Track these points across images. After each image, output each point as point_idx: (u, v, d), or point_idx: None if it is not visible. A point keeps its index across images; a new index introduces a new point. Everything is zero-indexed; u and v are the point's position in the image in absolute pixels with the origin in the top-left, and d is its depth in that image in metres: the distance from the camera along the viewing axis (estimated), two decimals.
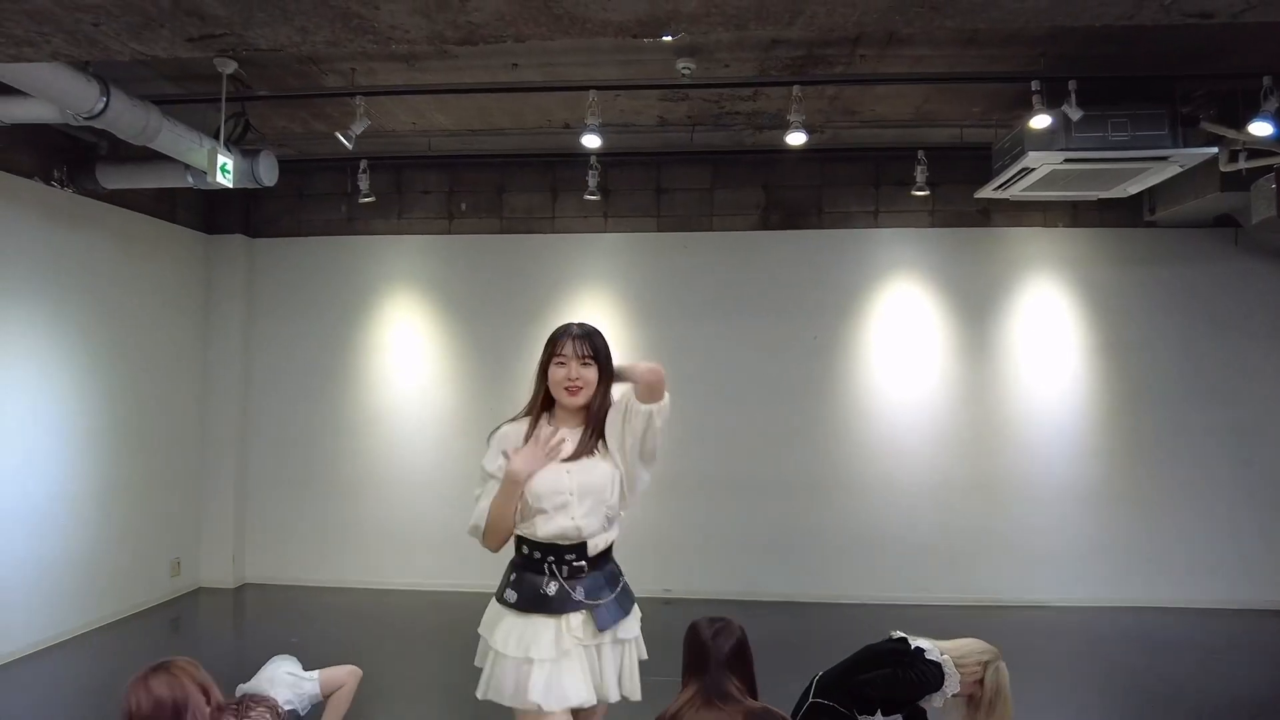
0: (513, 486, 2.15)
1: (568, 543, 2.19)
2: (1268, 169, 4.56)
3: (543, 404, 2.29)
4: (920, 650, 2.68)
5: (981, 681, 2.68)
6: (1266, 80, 4.27)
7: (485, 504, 2.20)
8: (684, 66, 4.40)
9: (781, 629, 5.22)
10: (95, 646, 5.07)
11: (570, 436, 2.25)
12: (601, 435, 2.26)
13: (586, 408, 2.26)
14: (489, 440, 2.29)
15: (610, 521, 2.26)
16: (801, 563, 6.05)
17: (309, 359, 6.52)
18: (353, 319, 6.53)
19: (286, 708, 2.65)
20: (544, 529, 2.18)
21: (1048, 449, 6.05)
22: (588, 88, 4.58)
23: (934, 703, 2.70)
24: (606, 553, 2.27)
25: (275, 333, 6.57)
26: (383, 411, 6.49)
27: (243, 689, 2.66)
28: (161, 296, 6.00)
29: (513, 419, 2.31)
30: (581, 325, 2.28)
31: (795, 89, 4.52)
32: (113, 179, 5.20)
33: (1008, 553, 5.97)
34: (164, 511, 5.98)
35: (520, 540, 2.25)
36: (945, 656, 2.67)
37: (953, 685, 2.65)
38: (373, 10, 2.23)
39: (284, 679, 2.91)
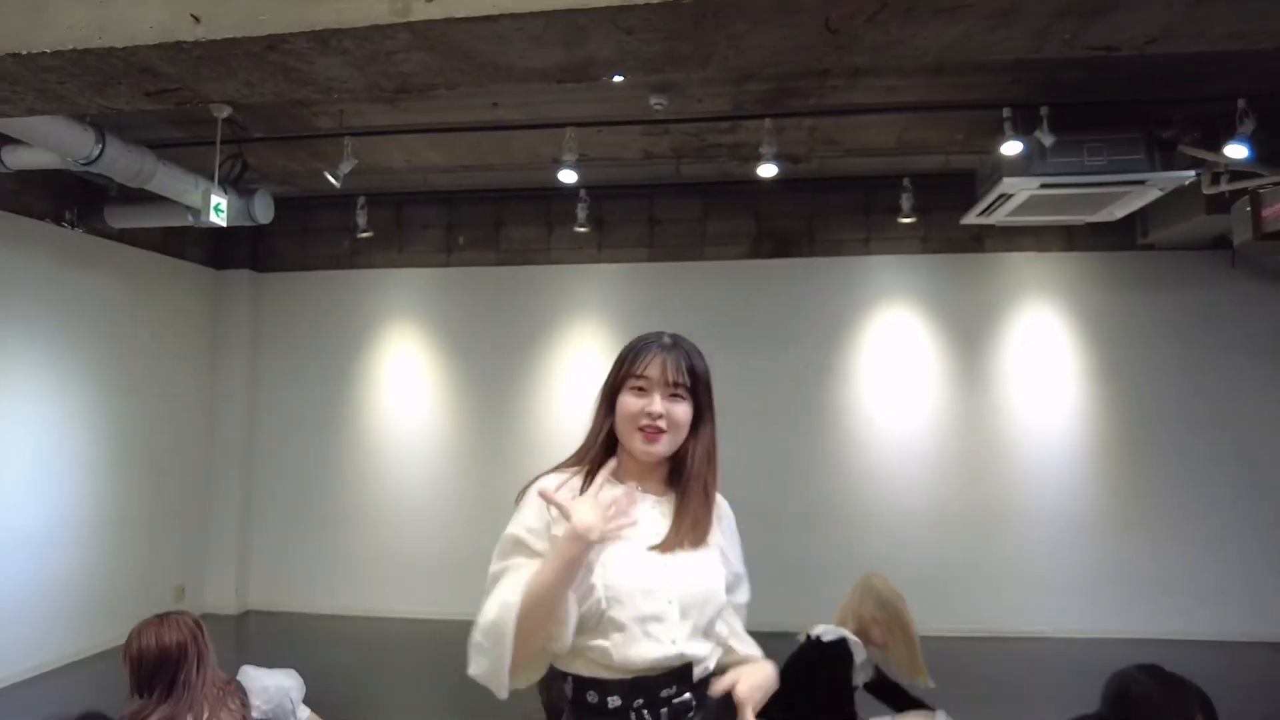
0: (576, 552, 1.35)
1: (659, 672, 1.40)
2: (1248, 192, 4.52)
3: (601, 453, 1.55)
4: (817, 639, 2.60)
5: (877, 621, 2.60)
6: (1241, 103, 4.25)
7: (510, 594, 1.36)
8: (656, 103, 4.50)
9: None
10: (97, 672, 5.21)
11: (655, 507, 1.54)
12: (699, 512, 1.53)
13: (675, 463, 1.57)
14: (518, 500, 1.53)
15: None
16: (791, 593, 5.98)
17: (312, 389, 6.70)
18: (354, 350, 6.70)
19: (255, 715, 2.63)
20: (626, 654, 1.39)
21: (1045, 476, 5.97)
22: (565, 125, 4.71)
23: (858, 677, 2.61)
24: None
25: (280, 364, 6.77)
26: (383, 441, 6.62)
27: (245, 671, 2.56)
28: (170, 330, 6.23)
29: (555, 469, 1.57)
30: (675, 336, 1.58)
31: (767, 122, 4.59)
32: (120, 219, 5.43)
33: (1005, 583, 5.88)
34: (169, 539, 6.16)
35: (577, 681, 1.42)
36: (839, 630, 2.60)
37: (859, 652, 2.57)
38: (308, 65, 2.36)
39: (276, 694, 2.78)
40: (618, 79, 3.68)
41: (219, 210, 4.60)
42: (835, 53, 2.26)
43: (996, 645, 5.57)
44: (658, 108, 4.53)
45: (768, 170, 4.66)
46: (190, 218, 5.10)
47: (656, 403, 1.49)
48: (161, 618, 2.20)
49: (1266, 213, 4.10)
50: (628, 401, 1.52)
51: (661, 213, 6.52)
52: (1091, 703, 1.91)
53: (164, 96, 2.65)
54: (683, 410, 1.52)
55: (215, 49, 2.27)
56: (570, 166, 4.71)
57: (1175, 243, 5.82)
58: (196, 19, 2.23)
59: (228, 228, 6.31)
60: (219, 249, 6.74)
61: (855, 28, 2.14)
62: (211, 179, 4.78)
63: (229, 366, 6.66)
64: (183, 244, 6.39)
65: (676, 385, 1.51)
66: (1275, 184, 4.13)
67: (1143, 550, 5.84)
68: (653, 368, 1.51)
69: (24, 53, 2.35)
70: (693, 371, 1.54)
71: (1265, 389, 5.83)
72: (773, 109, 4.68)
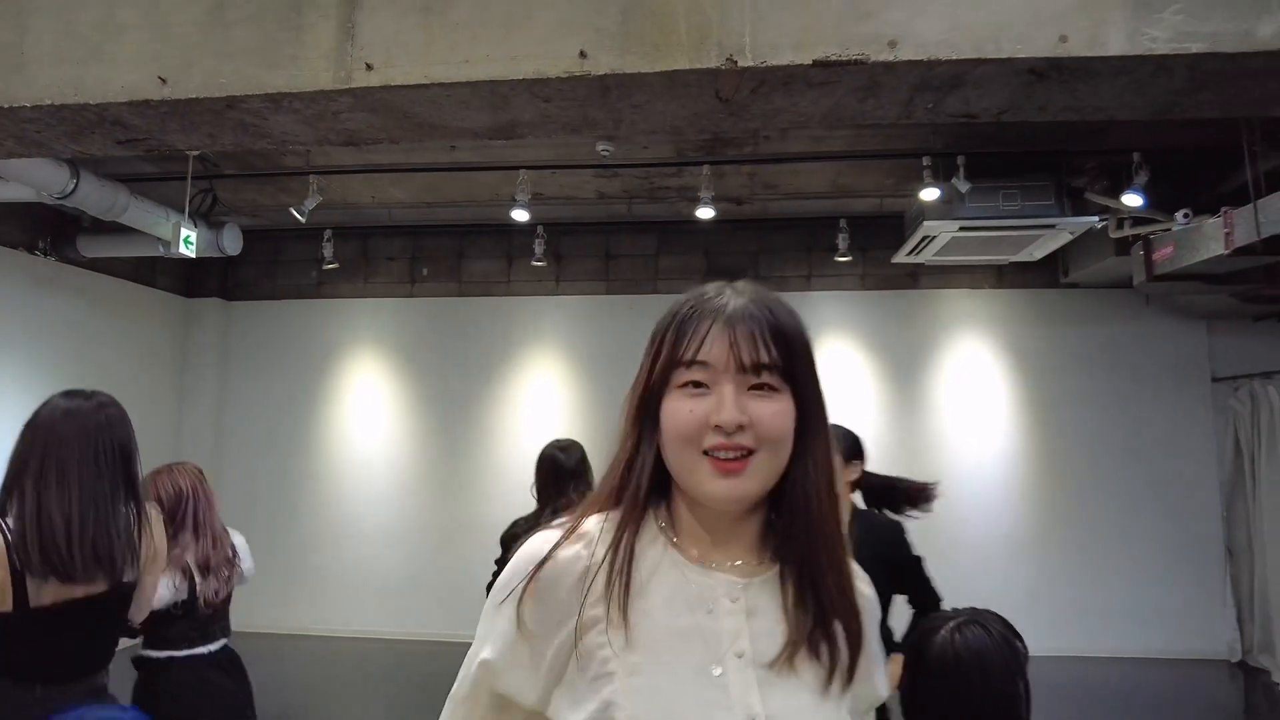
0: None
1: None
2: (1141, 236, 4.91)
3: (639, 498, 0.95)
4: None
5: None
6: (1136, 156, 4.66)
7: None
8: (603, 149, 4.83)
9: None
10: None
11: (745, 595, 0.93)
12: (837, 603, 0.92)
13: (774, 506, 0.96)
14: (499, 562, 1.11)
15: None
16: None
17: (278, 415, 6.90)
18: (320, 377, 6.92)
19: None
20: None
21: (977, 502, 6.29)
22: (518, 168, 5.03)
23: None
24: None
25: (247, 390, 6.97)
26: (345, 465, 6.83)
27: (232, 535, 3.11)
28: (140, 356, 6.43)
29: (558, 522, 0.98)
30: (747, 284, 1.00)
31: (705, 169, 4.93)
32: (92, 248, 5.66)
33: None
34: None
35: None
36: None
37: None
38: (263, 121, 2.64)
39: (244, 547, 3.25)
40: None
41: (189, 243, 4.85)
42: (730, 119, 2.58)
43: None
44: (604, 154, 4.86)
45: (706, 213, 5.00)
46: (161, 249, 5.34)
47: (728, 404, 0.90)
48: (170, 466, 2.88)
49: (1156, 256, 4.48)
50: (678, 409, 0.93)
51: (617, 248, 6.84)
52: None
53: (133, 145, 2.92)
54: (776, 411, 0.93)
55: (179, 107, 2.55)
56: (523, 206, 5.02)
57: (1094, 281, 6.21)
58: (163, 80, 2.51)
59: (198, 259, 6.59)
60: (189, 277, 6.97)
61: (742, 98, 2.46)
62: (182, 212, 5.04)
63: (197, 391, 6.86)
64: (153, 272, 6.61)
65: (759, 368, 0.92)
66: (1165, 229, 4.51)
67: (1067, 572, 6.16)
68: (715, 345, 0.93)
69: (5, 106, 2.62)
70: (783, 338, 0.94)
71: (1178, 418, 6.20)
72: (712, 156, 5.03)
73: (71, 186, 4.36)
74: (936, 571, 6.12)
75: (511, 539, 2.92)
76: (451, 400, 6.75)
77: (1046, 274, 6.36)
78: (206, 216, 5.51)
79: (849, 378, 6.50)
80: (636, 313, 6.69)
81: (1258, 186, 3.53)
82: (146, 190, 5.25)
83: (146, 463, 6.55)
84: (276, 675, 5.57)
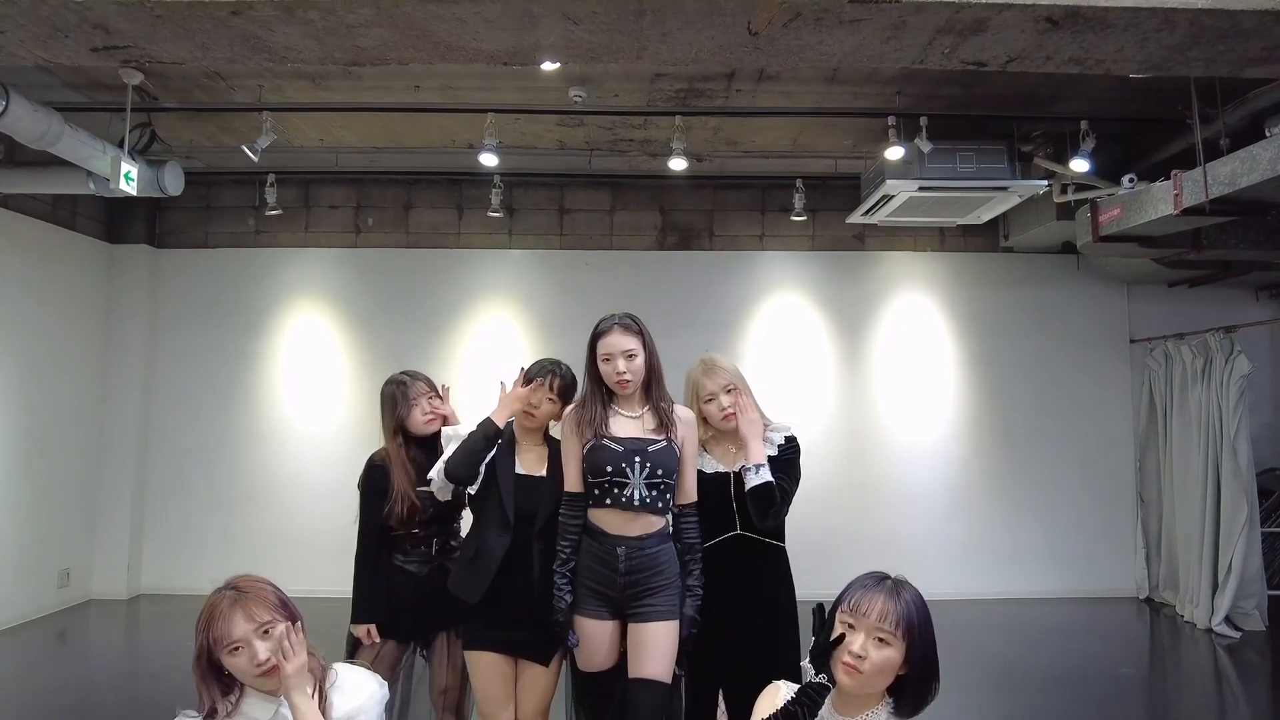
0: None
1: None
2: (1088, 201, 5.19)
3: None
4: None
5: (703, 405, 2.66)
6: (1084, 124, 4.91)
7: None
8: (576, 95, 4.75)
9: None
10: None
11: None
12: None
13: None
14: None
15: None
16: None
17: (213, 369, 6.57)
18: (257, 329, 6.62)
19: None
20: None
21: (917, 453, 6.59)
22: (486, 110, 4.89)
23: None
24: None
25: (179, 343, 6.60)
26: (287, 421, 6.58)
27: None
28: (59, 304, 5.98)
29: None
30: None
31: (677, 119, 4.92)
32: (9, 183, 5.21)
33: (880, 552, 6.41)
34: (53, 521, 5.92)
35: None
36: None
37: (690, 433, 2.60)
38: (269, 33, 2.50)
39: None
40: (551, 66, 3.93)
41: (129, 178, 4.53)
42: (754, 54, 2.60)
43: None
44: (577, 100, 4.79)
45: (678, 164, 4.99)
46: (92, 185, 4.96)
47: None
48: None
49: (1103, 218, 4.75)
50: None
51: (572, 203, 6.77)
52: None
53: (109, 54, 2.71)
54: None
55: (178, 10, 2.38)
56: (490, 149, 4.89)
57: (1031, 246, 6.54)
58: None
59: (124, 201, 6.17)
60: (113, 222, 6.52)
61: (773, 33, 2.47)
62: (120, 147, 4.69)
63: (124, 343, 6.45)
64: (73, 214, 6.15)
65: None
66: (1110, 194, 4.78)
67: (994, 520, 6.54)
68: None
69: None
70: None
71: (1104, 378, 6.64)
72: (683, 107, 5.02)
73: (1, 107, 3.99)
74: (879, 521, 6.43)
75: None
76: (397, 354, 6.51)
77: (986, 238, 6.66)
78: (143, 154, 5.14)
79: (800, 334, 6.66)
80: (592, 269, 6.66)
81: (1211, 149, 3.78)
82: (75, 121, 4.85)
83: (67, 416, 6.17)
84: None
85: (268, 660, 1.70)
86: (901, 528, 6.51)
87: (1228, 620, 5.52)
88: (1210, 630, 5.55)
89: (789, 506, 2.58)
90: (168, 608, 6.21)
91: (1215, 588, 5.63)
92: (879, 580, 1.71)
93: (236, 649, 1.71)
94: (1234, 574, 5.48)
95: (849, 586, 1.72)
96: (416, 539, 2.84)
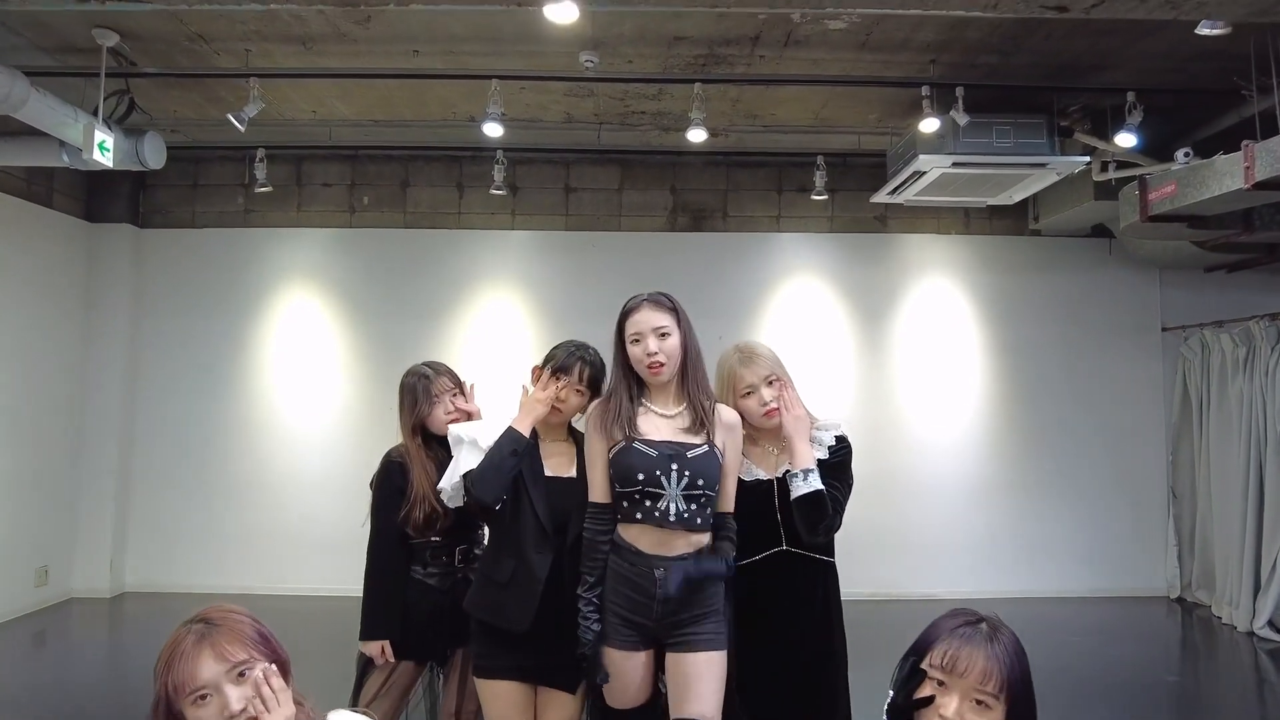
0: None
1: None
2: (1132, 179, 4.87)
3: None
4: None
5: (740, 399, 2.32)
6: (1130, 96, 4.58)
7: None
8: (587, 60, 4.42)
9: None
10: None
11: None
12: None
13: None
14: None
15: None
16: None
17: (201, 356, 6.24)
18: (247, 313, 6.29)
19: None
20: None
21: (938, 445, 6.29)
22: (490, 77, 4.54)
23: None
24: None
25: (165, 328, 6.26)
26: (278, 410, 6.25)
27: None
28: (35, 287, 5.64)
29: None
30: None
31: (697, 87, 4.59)
32: None
33: (901, 547, 6.15)
34: (29, 515, 5.58)
35: None
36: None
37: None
38: None
39: None
40: (558, 12, 3.59)
41: (104, 148, 4.19)
42: None
43: (893, 607, 5.81)
44: (588, 65, 4.45)
45: (696, 134, 4.66)
46: (65, 157, 4.61)
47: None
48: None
49: (1153, 196, 4.44)
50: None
51: (578, 181, 6.43)
52: None
53: None
54: None
55: None
56: (495, 119, 4.54)
57: (1060, 229, 6.23)
58: None
59: (105, 178, 5.82)
60: (92, 200, 6.16)
61: None
62: (93, 114, 4.35)
63: (106, 328, 6.10)
64: (50, 191, 5.80)
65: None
66: (1163, 169, 4.46)
67: (1020, 514, 6.25)
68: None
69: None
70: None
71: (1135, 367, 6.34)
72: (701, 75, 4.68)
73: None
74: (899, 515, 6.14)
75: None
76: (395, 340, 6.22)
77: (1013, 220, 6.34)
78: (121, 124, 4.78)
79: (818, 320, 6.35)
80: (599, 250, 6.33)
81: (1267, 124, 3.46)
82: (47, 88, 4.50)
83: (44, 405, 5.83)
84: None
85: (242, 711, 1.33)
86: (922, 522, 6.22)
87: (1271, 624, 5.24)
88: (1252, 633, 5.28)
89: (842, 518, 2.25)
90: (153, 606, 5.90)
91: (1257, 588, 5.34)
92: (973, 625, 1.39)
93: (203, 696, 1.34)
94: (1278, 574, 5.20)
95: (936, 631, 1.40)
96: (437, 549, 2.52)
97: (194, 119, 5.59)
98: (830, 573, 2.25)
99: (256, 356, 6.29)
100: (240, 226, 6.35)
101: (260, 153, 5.71)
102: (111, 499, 6.04)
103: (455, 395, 2.61)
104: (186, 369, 6.23)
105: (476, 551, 2.57)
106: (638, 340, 2.14)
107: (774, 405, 2.23)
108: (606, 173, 6.40)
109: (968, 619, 1.40)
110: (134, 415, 6.20)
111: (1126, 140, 4.59)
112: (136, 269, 6.27)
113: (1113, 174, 4.99)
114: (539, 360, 2.36)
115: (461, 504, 2.30)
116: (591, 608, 2.07)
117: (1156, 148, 4.92)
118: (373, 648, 2.47)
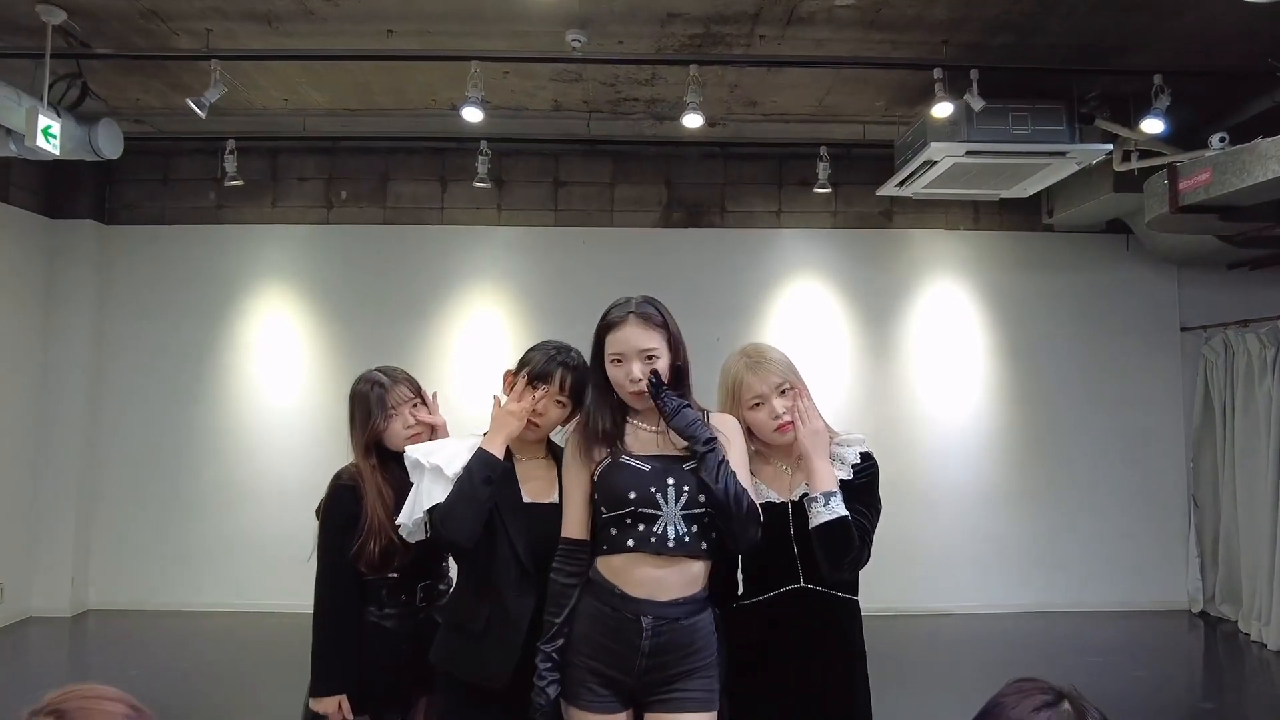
0: None
1: None
2: (1157, 169, 4.57)
3: None
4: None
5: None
6: (1157, 78, 4.27)
7: None
8: (574, 39, 4.10)
9: None
10: None
11: None
12: None
13: None
14: None
15: None
16: None
17: (169, 360, 5.89)
18: (218, 315, 5.94)
19: None
20: None
21: (947, 451, 5.97)
22: (470, 58, 4.21)
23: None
24: None
25: (131, 331, 5.92)
26: (250, 418, 5.91)
27: None
28: None
29: None
30: None
31: (693, 69, 4.26)
32: None
33: (908, 558, 5.81)
34: None
35: None
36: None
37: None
38: None
39: None
40: None
41: (49, 134, 3.86)
42: None
43: (900, 623, 5.49)
44: (575, 45, 4.14)
45: (692, 120, 4.33)
46: (11, 145, 4.27)
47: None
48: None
49: (1184, 185, 4.13)
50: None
51: (568, 175, 6.11)
52: (993, 677, 1.38)
53: None
54: None
55: None
56: (475, 104, 4.21)
57: (1074, 224, 5.92)
58: None
59: (66, 171, 5.48)
60: (53, 194, 5.81)
61: None
62: (38, 98, 4.01)
63: (67, 331, 5.74)
64: (5, 185, 5.46)
65: None
66: (1194, 157, 4.16)
67: (1032, 522, 5.93)
68: None
69: None
70: None
71: (1153, 368, 6.03)
72: (697, 56, 4.36)
73: None
74: (904, 525, 5.81)
75: None
76: (374, 343, 5.87)
77: (1024, 215, 6.04)
78: (74, 110, 4.45)
79: (820, 320, 6.03)
80: (590, 247, 6.01)
81: None
82: None
83: (4, 413, 5.47)
84: (180, 658, 4.80)
85: None
86: (929, 532, 5.89)
87: None
88: None
89: (869, 551, 1.90)
90: (117, 626, 5.56)
91: None
92: (1053, 708, 1.06)
93: None
94: None
95: (1005, 713, 1.07)
96: (395, 586, 2.13)
97: (159, 108, 5.27)
98: (854, 614, 1.91)
99: (228, 360, 5.95)
100: (212, 223, 6.02)
101: (230, 144, 5.38)
102: (73, 511, 5.68)
103: (416, 406, 2.25)
104: (154, 374, 5.88)
105: (441, 587, 2.23)
106: (619, 361, 1.84)
107: (787, 418, 1.89)
108: (597, 165, 6.08)
109: (1045, 699, 1.07)
110: (97, 423, 5.85)
111: (1153, 126, 4.28)
112: (101, 268, 5.93)
113: (1135, 164, 4.69)
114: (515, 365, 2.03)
115: (423, 537, 1.97)
116: (549, 665, 1.74)
117: (1181, 136, 4.62)
118: (328, 704, 2.08)
